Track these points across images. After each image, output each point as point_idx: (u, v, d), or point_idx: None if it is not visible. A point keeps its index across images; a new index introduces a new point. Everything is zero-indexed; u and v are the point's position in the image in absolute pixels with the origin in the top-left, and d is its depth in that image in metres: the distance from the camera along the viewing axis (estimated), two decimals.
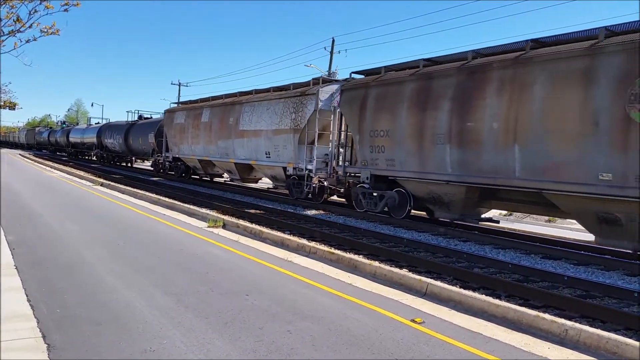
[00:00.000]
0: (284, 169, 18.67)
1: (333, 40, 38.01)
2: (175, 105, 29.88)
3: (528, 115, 10.60)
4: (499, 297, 6.96)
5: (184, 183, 25.94)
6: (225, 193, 21.39)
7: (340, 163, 16.49)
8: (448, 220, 13.58)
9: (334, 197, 18.88)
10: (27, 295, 5.76)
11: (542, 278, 8.56)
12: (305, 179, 17.50)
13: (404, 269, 7.86)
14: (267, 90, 20.95)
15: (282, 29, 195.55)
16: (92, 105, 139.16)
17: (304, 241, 9.74)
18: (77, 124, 66.50)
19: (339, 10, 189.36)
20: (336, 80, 18.19)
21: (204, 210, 13.61)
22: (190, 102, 27.95)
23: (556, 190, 10.16)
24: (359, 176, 15.20)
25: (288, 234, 10.73)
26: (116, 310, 5.46)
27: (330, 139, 17.23)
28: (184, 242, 9.74)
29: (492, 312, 5.90)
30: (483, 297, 6.25)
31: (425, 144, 12.82)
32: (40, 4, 8.30)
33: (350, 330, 5.22)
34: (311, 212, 15.66)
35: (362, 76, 16.02)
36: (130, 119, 39.06)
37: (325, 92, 17.27)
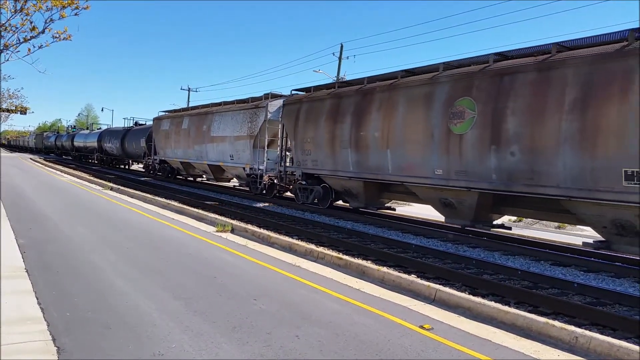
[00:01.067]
0: (244, 169, 22.16)
1: (341, 46, 38.12)
2: (163, 113, 32.68)
3: (395, 127, 14.10)
4: (508, 303, 6.92)
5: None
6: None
7: (284, 164, 19.73)
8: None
9: (288, 193, 21.51)
10: (37, 298, 5.80)
11: (551, 285, 8.50)
12: (259, 177, 21.05)
13: (412, 275, 7.84)
14: (232, 102, 24.73)
15: (292, 35, 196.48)
16: (102, 110, 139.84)
17: (312, 246, 9.74)
18: (87, 128, 68.31)
19: (348, 15, 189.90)
20: (282, 96, 21.31)
21: (212, 215, 13.67)
22: (174, 111, 31.54)
23: (412, 182, 13.72)
24: (294, 174, 18.82)
25: (296, 239, 10.74)
26: (125, 313, 5.49)
27: (279, 144, 20.32)
28: (193, 246, 9.78)
29: (501, 319, 5.87)
30: (492, 303, 6.22)
31: (336, 148, 16.29)
32: (56, 13, 8.45)
33: (358, 335, 5.21)
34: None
35: (302, 92, 19.28)
36: (127, 125, 44.38)
37: (274, 105, 20.79)
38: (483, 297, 6.91)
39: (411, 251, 11.02)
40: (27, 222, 11.16)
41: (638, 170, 8.90)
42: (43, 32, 8.54)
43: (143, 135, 35.03)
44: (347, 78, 33.20)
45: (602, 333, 5.53)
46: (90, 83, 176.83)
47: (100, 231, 10.76)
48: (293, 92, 19.70)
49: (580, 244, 11.17)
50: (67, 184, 23.29)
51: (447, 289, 6.81)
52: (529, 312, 6.22)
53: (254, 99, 22.85)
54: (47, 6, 8.38)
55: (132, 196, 19.01)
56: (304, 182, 18.15)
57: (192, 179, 30.56)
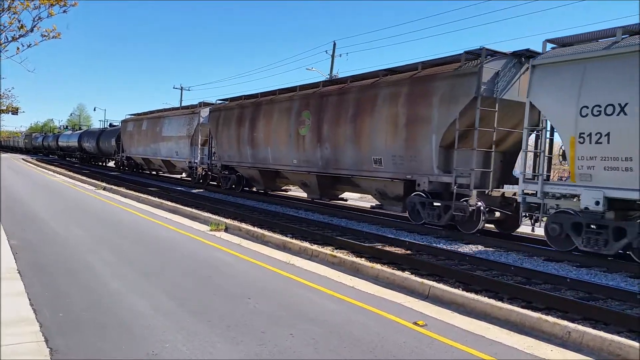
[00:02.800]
0: (185, 162, 27.77)
1: (334, 44, 38.10)
2: (129, 116, 38.07)
3: (272, 131, 19.53)
4: (501, 299, 6.95)
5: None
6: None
7: (211, 158, 24.94)
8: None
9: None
10: (29, 300, 5.76)
11: (544, 280, 8.55)
12: (195, 169, 26.66)
13: (406, 272, 7.86)
14: (178, 108, 31.69)
15: (286, 33, 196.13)
16: (94, 109, 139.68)
17: (306, 244, 9.74)
18: (80, 128, 69.71)
19: (342, 14, 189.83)
20: (212, 104, 26.04)
21: (206, 214, 13.65)
22: (137, 114, 36.58)
23: (283, 169, 19.46)
24: (217, 166, 24.17)
25: (290, 237, 10.73)
26: (119, 313, 5.47)
27: (209, 142, 25.37)
28: (187, 245, 9.76)
29: (495, 315, 5.89)
30: (485, 299, 6.24)
31: (241, 145, 21.67)
32: (44, 11, 8.37)
33: (353, 333, 5.21)
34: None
35: (223, 102, 24.52)
36: (103, 127, 52.20)
37: (205, 111, 25.91)
38: (476, 293, 6.93)
39: (405, 248, 11.04)
40: (19, 223, 11.08)
41: (382, 157, 14.40)
42: (32, 30, 8.47)
43: (113, 136, 40.38)
44: (340, 76, 33.37)
45: (594, 328, 5.57)
46: (83, 83, 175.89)
47: (93, 231, 10.71)
48: (218, 101, 25.41)
49: None
50: (59, 183, 23.16)
51: (440, 286, 6.84)
52: (523, 307, 6.26)
53: (192, 106, 28.78)
54: (34, 4, 8.31)
55: (125, 196, 18.98)
56: (225, 172, 23.71)
57: (155, 172, 36.10)
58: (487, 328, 5.59)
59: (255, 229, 11.36)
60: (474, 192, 12.11)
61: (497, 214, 12.64)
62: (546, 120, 11.00)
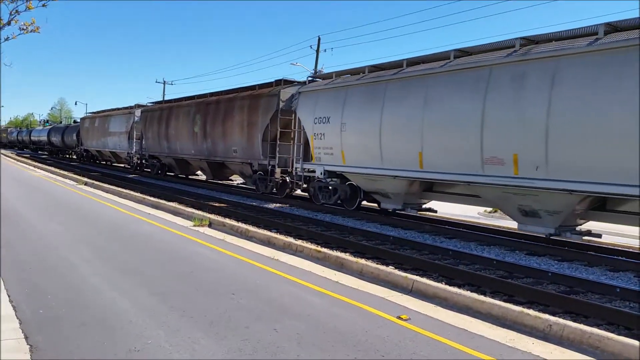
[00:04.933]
0: (125, 153, 33.95)
1: (319, 39, 38.06)
2: (86, 114, 45.37)
3: (178, 128, 25.74)
4: (484, 293, 7.01)
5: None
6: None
7: (143, 150, 31.09)
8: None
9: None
10: (9, 297, 5.67)
11: (526, 274, 8.65)
12: (132, 158, 32.75)
13: (390, 267, 7.88)
14: (120, 109, 36.39)
15: (271, 27, 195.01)
16: (75, 104, 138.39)
17: (290, 239, 9.72)
18: (61, 122, 70.11)
19: (327, 8, 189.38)
20: (144, 106, 32.27)
21: (189, 209, 13.56)
22: (93, 113, 42.81)
23: (188, 158, 25.60)
24: (146, 156, 30.71)
25: (275, 233, 10.71)
26: (100, 310, 5.40)
27: (141, 137, 31.28)
28: (169, 241, 9.68)
29: (477, 309, 5.94)
30: (468, 293, 6.29)
31: (160, 139, 27.74)
32: (23, 4, 8.20)
33: (337, 327, 5.22)
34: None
35: (153, 104, 31.79)
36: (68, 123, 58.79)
37: (139, 112, 31.63)
38: (459, 287, 6.98)
39: (389, 243, 11.09)
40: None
41: (237, 148, 20.75)
42: (9, 23, 8.30)
43: (74, 131, 46.49)
44: (325, 71, 33.31)
45: (575, 321, 5.64)
46: (65, 77, 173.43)
47: (74, 227, 10.57)
48: (148, 103, 32.55)
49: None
50: (37, 178, 22.83)
51: (424, 280, 6.88)
52: (505, 301, 6.31)
53: (129, 107, 34.12)
54: None
55: (107, 191, 18.77)
56: (153, 160, 29.92)
57: (105, 162, 42.50)
58: (469, 322, 5.63)
59: (240, 225, 11.31)
60: (278, 170, 18.82)
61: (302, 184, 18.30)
62: (302, 125, 17.15)
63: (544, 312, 5.92)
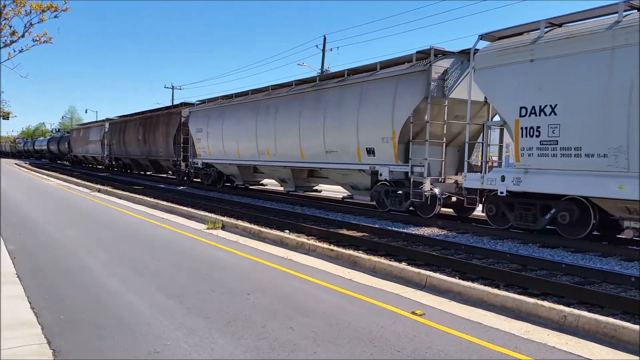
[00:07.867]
0: (100, 156, 43.91)
1: (324, 38, 38.30)
2: (73, 127, 55.16)
3: (130, 136, 35.52)
4: (497, 286, 7.03)
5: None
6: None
7: (112, 153, 41.97)
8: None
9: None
10: (30, 303, 5.79)
11: (540, 267, 8.64)
12: (104, 160, 41.80)
13: (403, 263, 7.93)
14: (96, 122, 47.55)
15: (278, 29, 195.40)
16: (86, 112, 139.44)
17: (303, 239, 9.79)
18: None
19: (333, 7, 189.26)
20: (112, 119, 41.75)
21: (202, 213, 13.68)
22: (80, 124, 54.01)
23: (137, 159, 35.88)
24: (113, 158, 41.12)
25: (287, 233, 10.79)
26: (119, 313, 5.51)
27: (110, 143, 41.50)
28: (184, 244, 9.79)
29: (492, 302, 5.97)
30: (482, 287, 6.31)
31: (121, 145, 37.52)
32: (36, 16, 8.37)
33: (352, 324, 5.28)
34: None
35: (120, 117, 41.38)
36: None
37: (108, 124, 41.21)
38: (473, 281, 7.01)
39: (401, 239, 11.12)
40: (16, 227, 11.08)
41: (161, 150, 30.64)
42: (23, 36, 8.48)
43: (67, 140, 57.17)
44: (332, 70, 33.38)
45: (590, 311, 5.65)
46: (76, 85, 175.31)
47: (90, 233, 10.72)
48: (116, 117, 42.30)
49: None
50: (51, 186, 23.12)
51: (437, 275, 6.91)
52: (519, 293, 6.33)
53: (101, 121, 45.39)
54: (25, 10, 8.32)
55: (120, 197, 19.00)
56: (119, 161, 39.63)
57: (89, 165, 51.11)
58: (484, 315, 5.66)
59: (252, 226, 11.41)
60: (183, 164, 27.99)
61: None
62: (191, 133, 27.38)
63: (559, 303, 5.93)
